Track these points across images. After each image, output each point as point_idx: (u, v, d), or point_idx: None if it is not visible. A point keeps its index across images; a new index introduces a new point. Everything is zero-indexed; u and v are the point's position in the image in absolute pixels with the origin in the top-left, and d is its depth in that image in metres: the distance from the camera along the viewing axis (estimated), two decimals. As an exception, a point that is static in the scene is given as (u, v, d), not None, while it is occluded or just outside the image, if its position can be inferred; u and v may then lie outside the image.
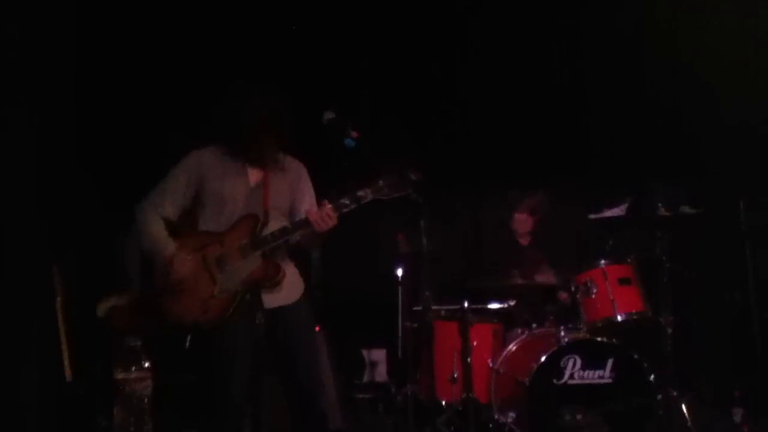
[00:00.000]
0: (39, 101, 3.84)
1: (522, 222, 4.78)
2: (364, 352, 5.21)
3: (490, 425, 4.20)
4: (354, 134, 3.28)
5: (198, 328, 3.15)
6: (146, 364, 2.67)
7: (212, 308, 3.14)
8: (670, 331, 3.97)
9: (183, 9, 4.85)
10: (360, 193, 3.13)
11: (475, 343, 4.28)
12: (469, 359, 4.13)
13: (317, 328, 4.79)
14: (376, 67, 5.31)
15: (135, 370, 2.66)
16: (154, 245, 3.20)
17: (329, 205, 3.12)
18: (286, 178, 3.34)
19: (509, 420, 4.07)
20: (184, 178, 3.25)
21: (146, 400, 2.67)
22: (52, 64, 3.95)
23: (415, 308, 4.54)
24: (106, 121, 4.69)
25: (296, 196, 3.35)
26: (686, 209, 4.14)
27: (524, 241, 4.83)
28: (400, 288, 4.67)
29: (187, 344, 3.14)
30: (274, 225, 3.22)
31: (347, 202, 3.13)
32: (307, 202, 3.35)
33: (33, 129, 3.86)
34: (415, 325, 4.52)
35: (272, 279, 3.21)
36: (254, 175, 3.29)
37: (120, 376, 2.65)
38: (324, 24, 5.13)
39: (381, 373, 5.19)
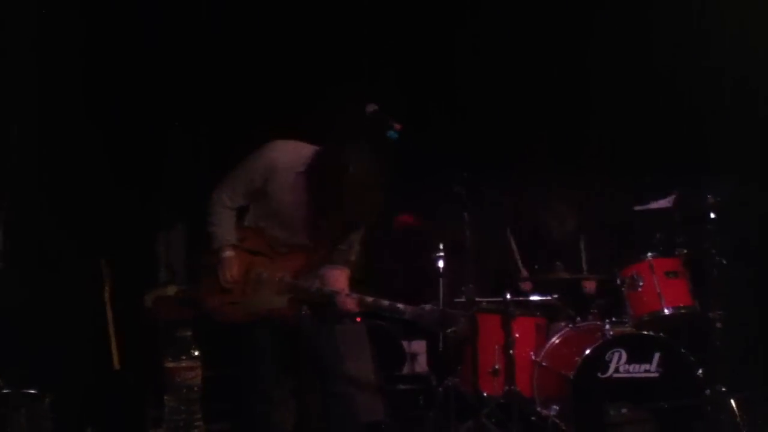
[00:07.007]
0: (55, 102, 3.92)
1: (567, 213, 4.72)
2: (405, 344, 5.20)
3: (533, 419, 4.18)
4: (397, 126, 3.27)
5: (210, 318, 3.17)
6: (196, 354, 2.71)
7: (227, 312, 3.17)
8: (719, 326, 3.89)
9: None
10: (399, 306, 3.16)
11: (517, 336, 4.24)
12: (511, 352, 4.10)
13: (358, 319, 4.83)
14: (419, 62, 5.28)
15: (185, 359, 2.69)
16: (216, 239, 3.22)
17: (357, 297, 3.18)
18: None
19: (552, 414, 4.03)
20: (257, 174, 3.17)
21: (196, 389, 2.71)
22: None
23: (456, 300, 4.52)
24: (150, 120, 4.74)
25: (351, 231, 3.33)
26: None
27: (569, 232, 4.76)
28: (441, 280, 4.64)
29: None
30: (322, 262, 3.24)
31: (380, 304, 3.18)
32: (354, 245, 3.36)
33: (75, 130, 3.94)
34: (457, 317, 4.50)
35: (286, 321, 3.20)
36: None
37: (170, 365, 2.68)
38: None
39: (421, 365, 5.18)
